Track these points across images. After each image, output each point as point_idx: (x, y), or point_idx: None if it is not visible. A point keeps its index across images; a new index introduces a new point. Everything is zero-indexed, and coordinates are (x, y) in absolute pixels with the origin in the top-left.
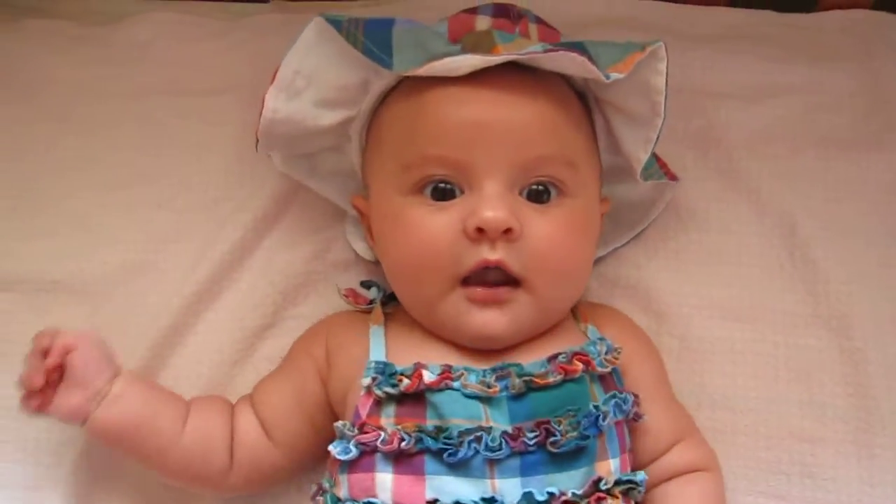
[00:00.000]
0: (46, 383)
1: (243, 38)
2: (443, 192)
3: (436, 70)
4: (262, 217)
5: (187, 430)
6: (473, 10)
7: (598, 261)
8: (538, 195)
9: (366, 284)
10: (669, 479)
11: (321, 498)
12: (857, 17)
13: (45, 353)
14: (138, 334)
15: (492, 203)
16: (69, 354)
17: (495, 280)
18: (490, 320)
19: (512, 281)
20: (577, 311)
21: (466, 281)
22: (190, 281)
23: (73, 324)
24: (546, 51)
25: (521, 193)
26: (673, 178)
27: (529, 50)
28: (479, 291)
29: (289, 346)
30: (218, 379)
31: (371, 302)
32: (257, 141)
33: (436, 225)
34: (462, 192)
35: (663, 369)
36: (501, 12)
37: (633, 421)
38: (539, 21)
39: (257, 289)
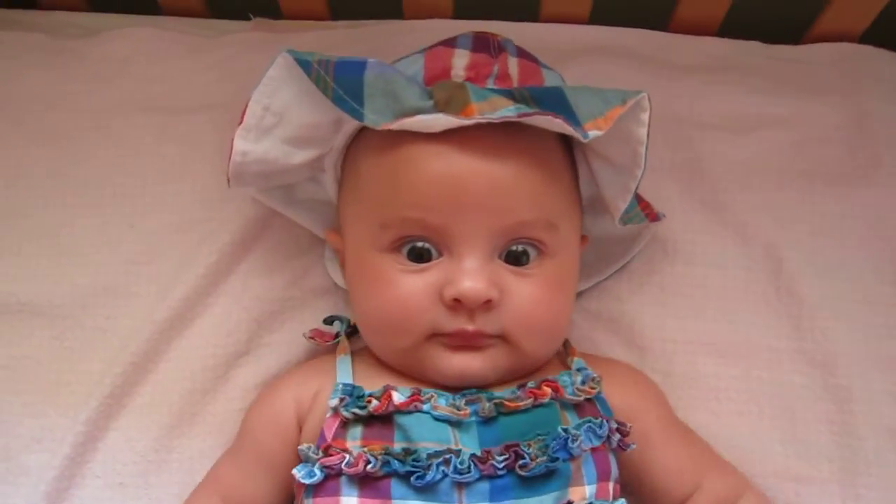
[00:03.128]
0: None
1: (223, 57)
2: (419, 254)
3: (407, 126)
4: (238, 241)
5: None
6: (452, 43)
7: (580, 294)
8: (517, 258)
9: (328, 321)
10: None
11: None
12: (844, 50)
13: None
14: (107, 359)
15: (471, 275)
16: None
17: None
18: (469, 363)
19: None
20: (567, 347)
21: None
22: (162, 306)
23: (39, 347)
24: (520, 115)
25: (500, 256)
26: (654, 219)
27: (502, 114)
28: (454, 338)
29: (262, 374)
30: (189, 408)
31: (336, 336)
32: (228, 180)
33: (412, 287)
34: (440, 254)
35: (670, 409)
36: (481, 45)
37: (620, 450)
38: (520, 53)
39: (231, 315)
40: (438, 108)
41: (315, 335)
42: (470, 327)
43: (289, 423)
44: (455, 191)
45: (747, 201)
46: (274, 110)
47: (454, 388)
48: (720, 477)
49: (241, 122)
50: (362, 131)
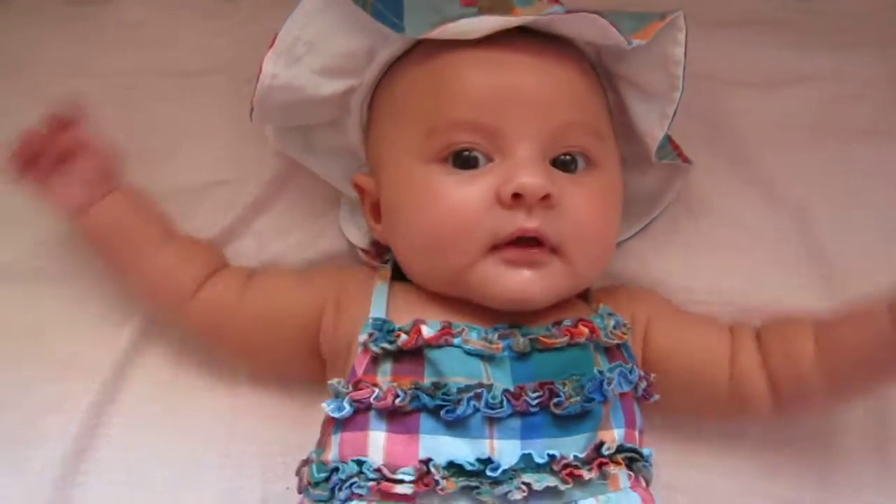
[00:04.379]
0: (40, 155)
1: (238, 20)
2: (466, 161)
3: (450, 33)
4: (252, 203)
5: (168, 251)
6: None
7: None
8: (566, 165)
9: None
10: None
11: (305, 469)
12: (880, 1)
13: (57, 128)
14: (123, 322)
15: (528, 169)
16: (81, 149)
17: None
18: (527, 282)
19: (547, 251)
20: (590, 295)
21: (497, 248)
22: None
23: (57, 310)
24: (567, 12)
25: (550, 163)
26: (686, 160)
27: (550, 11)
28: (514, 252)
29: None
30: (206, 370)
31: (385, 261)
32: (252, 110)
33: (467, 194)
34: (489, 160)
35: (676, 306)
36: None
37: (644, 399)
38: None
39: None
40: (482, 13)
41: (367, 251)
42: (530, 224)
43: (328, 293)
44: (505, 91)
45: (776, 159)
46: (305, 40)
47: (485, 319)
48: (744, 330)
49: (270, 47)
50: (395, 63)
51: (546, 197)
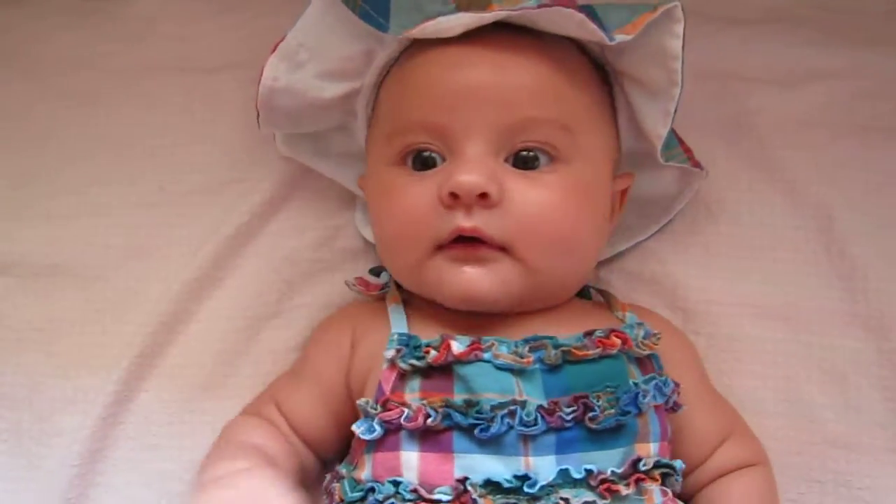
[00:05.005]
0: None
1: (250, 16)
2: (424, 161)
3: (427, 31)
4: (268, 201)
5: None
6: None
7: (620, 254)
8: (526, 162)
9: (374, 272)
10: (718, 477)
11: (337, 485)
12: None
13: None
14: (138, 321)
15: (467, 167)
16: None
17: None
18: (475, 278)
19: (494, 248)
20: (614, 302)
21: (442, 247)
22: (191, 266)
23: (70, 309)
24: (540, 6)
25: (507, 160)
26: (697, 165)
27: (522, 6)
28: (457, 250)
29: (294, 338)
30: (220, 370)
31: (384, 287)
32: (258, 115)
33: (414, 193)
34: (444, 159)
35: (704, 369)
36: None
37: (671, 410)
38: None
39: (261, 276)
40: (460, 10)
41: (360, 283)
42: (467, 224)
43: (344, 347)
44: (458, 88)
45: (796, 158)
46: (308, 46)
47: (513, 331)
48: (738, 444)
49: (273, 52)
50: (392, 66)
51: (483, 195)
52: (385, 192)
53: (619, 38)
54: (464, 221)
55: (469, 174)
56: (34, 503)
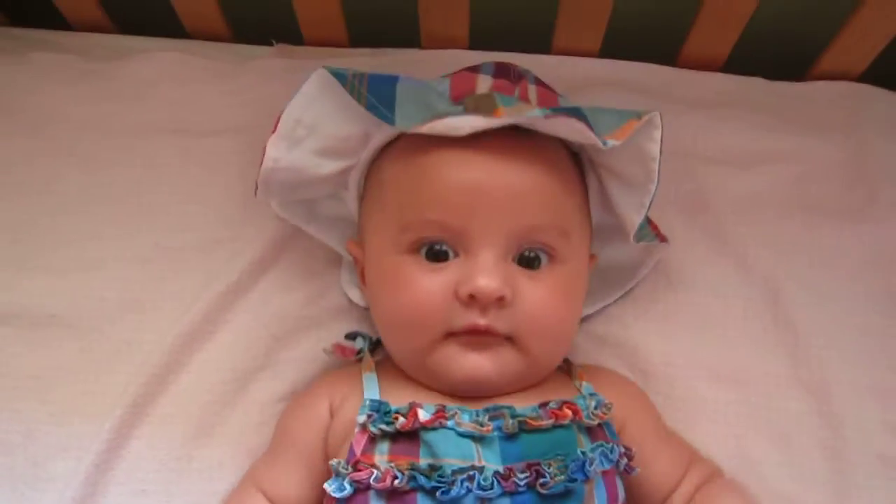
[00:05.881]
0: None
1: (247, 83)
2: (437, 254)
3: (437, 129)
4: (258, 260)
5: None
6: (475, 69)
7: (586, 318)
8: (529, 262)
9: (350, 336)
10: (695, 493)
11: None
12: (845, 88)
13: None
14: (131, 371)
15: (486, 273)
16: None
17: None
18: (479, 364)
19: (500, 336)
20: (574, 370)
21: (452, 334)
22: (184, 320)
23: (66, 359)
24: (547, 116)
25: (513, 259)
26: (663, 239)
27: (530, 115)
28: (467, 336)
29: (281, 389)
30: (209, 419)
31: (359, 353)
32: (256, 187)
33: (430, 285)
34: (456, 254)
35: (658, 414)
36: (502, 72)
37: (625, 473)
38: (538, 82)
39: (250, 331)
40: (468, 112)
41: (337, 349)
42: (482, 322)
43: (323, 416)
44: (474, 194)
45: (748, 233)
46: (305, 123)
47: (475, 401)
48: (700, 467)
49: (274, 131)
50: (387, 147)
51: (500, 299)
52: (396, 279)
53: (611, 143)
54: (479, 319)
55: (489, 280)
56: None
